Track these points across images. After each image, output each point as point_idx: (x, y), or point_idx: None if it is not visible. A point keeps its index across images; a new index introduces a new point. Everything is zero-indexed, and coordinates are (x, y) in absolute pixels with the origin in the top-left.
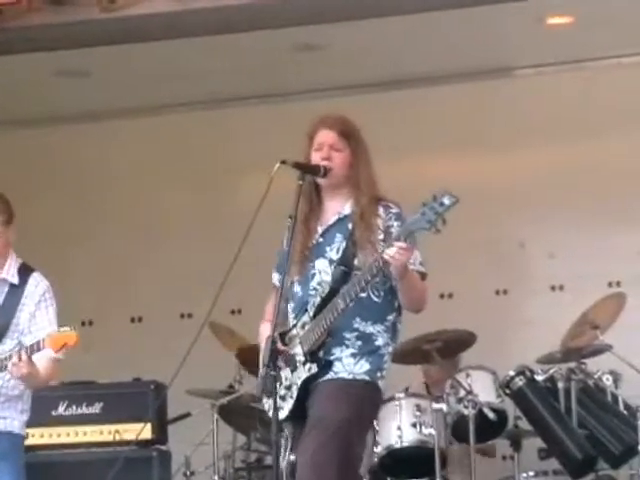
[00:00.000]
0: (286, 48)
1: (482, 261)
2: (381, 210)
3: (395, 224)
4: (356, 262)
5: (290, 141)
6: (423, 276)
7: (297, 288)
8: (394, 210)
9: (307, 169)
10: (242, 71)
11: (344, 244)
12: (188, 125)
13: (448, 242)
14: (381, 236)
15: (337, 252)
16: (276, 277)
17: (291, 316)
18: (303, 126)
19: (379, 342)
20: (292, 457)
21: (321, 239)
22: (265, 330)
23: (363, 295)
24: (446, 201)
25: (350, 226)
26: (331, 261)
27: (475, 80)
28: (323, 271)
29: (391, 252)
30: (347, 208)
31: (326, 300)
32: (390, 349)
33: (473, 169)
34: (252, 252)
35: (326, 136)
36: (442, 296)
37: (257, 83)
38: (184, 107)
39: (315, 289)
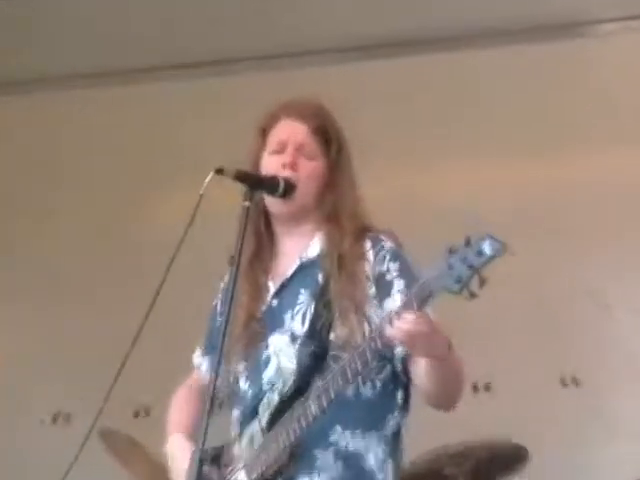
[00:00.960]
0: None
1: (535, 333)
2: (368, 246)
3: (392, 267)
4: (333, 337)
5: (233, 134)
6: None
7: (243, 383)
8: (387, 244)
9: (257, 183)
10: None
11: (312, 308)
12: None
13: (481, 305)
14: (371, 289)
15: (302, 322)
16: (200, 359)
17: (234, 424)
18: (254, 111)
19: (371, 463)
20: None
21: (275, 301)
22: (178, 444)
23: (349, 391)
24: (487, 249)
25: (321, 277)
26: (294, 337)
27: (533, 40)
28: (282, 353)
29: (403, 326)
30: (314, 247)
31: (288, 401)
32: (390, 473)
33: (516, 181)
34: (167, 317)
35: (292, 131)
36: (475, 388)
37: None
38: None
39: (271, 383)
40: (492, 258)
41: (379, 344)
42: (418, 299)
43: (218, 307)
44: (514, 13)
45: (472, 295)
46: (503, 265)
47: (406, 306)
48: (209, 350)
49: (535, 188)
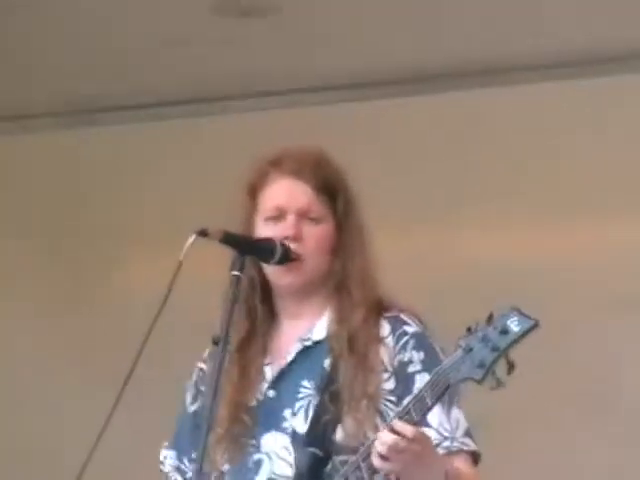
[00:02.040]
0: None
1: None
2: (387, 330)
3: (416, 357)
4: (339, 436)
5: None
6: (475, 458)
7: None
8: (411, 329)
9: (249, 247)
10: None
11: (316, 402)
12: None
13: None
14: (390, 383)
15: (305, 418)
16: (168, 457)
17: None
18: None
19: None
20: None
21: (272, 392)
22: None
23: None
24: (514, 326)
25: (327, 363)
26: (294, 436)
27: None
28: (277, 456)
29: (379, 445)
30: (321, 327)
31: None
32: None
33: (551, 239)
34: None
35: (291, 194)
36: None
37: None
38: None
39: None
40: (520, 337)
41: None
42: (434, 393)
43: (191, 394)
44: (534, 49)
45: (499, 384)
46: None
47: (402, 416)
48: (176, 445)
49: (574, 247)
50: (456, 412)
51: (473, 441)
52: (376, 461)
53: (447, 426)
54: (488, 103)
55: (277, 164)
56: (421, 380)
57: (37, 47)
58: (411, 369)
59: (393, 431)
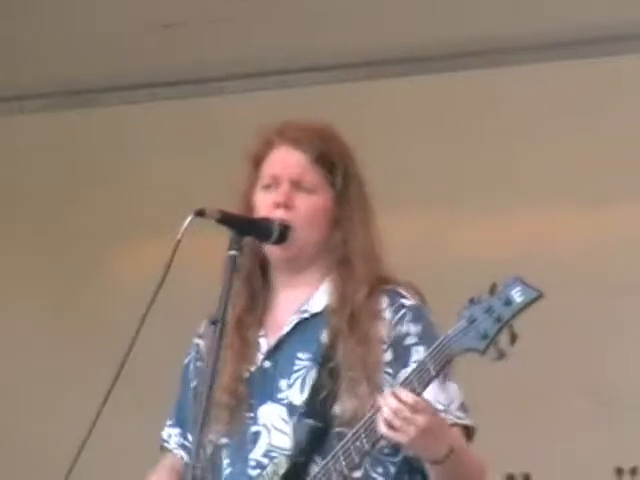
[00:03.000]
0: None
1: None
2: (385, 303)
3: (413, 330)
4: (337, 410)
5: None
6: (468, 433)
7: (225, 458)
8: (408, 302)
9: (245, 227)
10: None
11: (314, 375)
12: None
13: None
14: (388, 355)
15: (301, 390)
16: (173, 435)
17: None
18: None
19: None
20: None
21: (268, 363)
22: None
23: (356, 475)
24: (517, 297)
25: (325, 336)
26: (291, 409)
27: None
28: (274, 427)
29: (386, 411)
30: (319, 299)
31: None
32: None
33: (561, 232)
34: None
35: (286, 162)
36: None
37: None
38: None
39: (259, 464)
40: (523, 307)
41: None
42: (436, 362)
43: (191, 369)
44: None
45: (501, 355)
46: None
47: (405, 385)
48: (179, 422)
49: (580, 239)
50: (451, 386)
51: (468, 416)
52: (382, 428)
53: (441, 399)
54: (488, 83)
55: (280, 133)
56: (417, 353)
57: (32, 29)
58: (407, 342)
59: (396, 397)
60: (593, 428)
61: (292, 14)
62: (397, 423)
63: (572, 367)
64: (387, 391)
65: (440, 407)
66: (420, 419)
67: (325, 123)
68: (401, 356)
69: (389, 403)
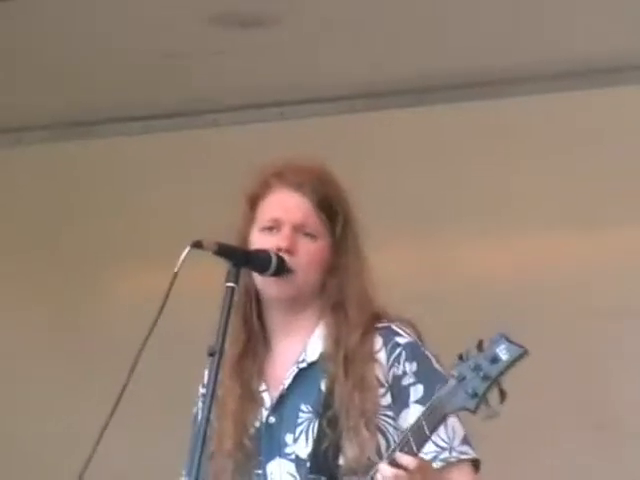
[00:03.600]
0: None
1: None
2: (379, 344)
3: (410, 369)
4: (342, 461)
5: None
6: (475, 465)
7: None
8: (403, 340)
9: (243, 259)
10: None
11: (315, 426)
12: None
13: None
14: (387, 398)
15: (306, 442)
16: None
17: None
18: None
19: None
20: None
21: (273, 419)
22: None
23: None
24: (503, 355)
25: (323, 385)
26: (298, 462)
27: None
28: None
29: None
30: (315, 346)
31: None
32: None
33: (560, 255)
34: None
35: (289, 207)
36: None
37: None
38: None
39: None
40: (509, 365)
41: None
42: (428, 425)
43: (199, 419)
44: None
45: (493, 414)
46: None
47: (402, 448)
48: (188, 470)
49: (578, 263)
50: (452, 420)
51: (472, 448)
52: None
53: (444, 436)
54: (488, 115)
55: (279, 176)
56: (416, 392)
57: (34, 58)
58: (405, 382)
59: (395, 464)
60: (592, 453)
61: (289, 45)
62: None
63: (571, 392)
64: (384, 460)
65: (443, 444)
66: (417, 478)
67: (322, 165)
68: (400, 397)
69: (384, 471)
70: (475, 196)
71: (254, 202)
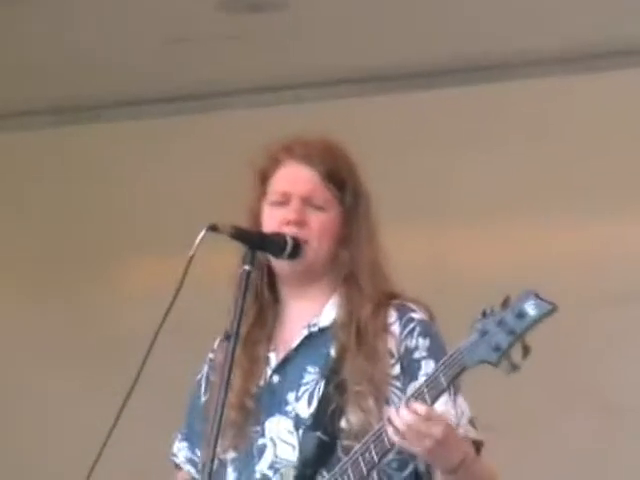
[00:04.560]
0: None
1: None
2: (394, 317)
3: (422, 344)
4: (344, 424)
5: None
6: (477, 446)
7: (230, 474)
8: (417, 316)
9: (259, 242)
10: None
11: (321, 387)
12: None
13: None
14: (396, 369)
15: (309, 402)
16: (181, 449)
17: None
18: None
19: None
20: None
21: (276, 378)
22: None
23: None
24: (531, 310)
25: (333, 351)
26: (298, 422)
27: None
28: (281, 440)
29: (399, 423)
30: (327, 314)
31: None
32: None
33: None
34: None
35: (297, 179)
36: None
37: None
38: None
39: (264, 477)
40: (537, 321)
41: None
42: (448, 376)
43: (202, 386)
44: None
45: (514, 367)
46: None
47: (416, 397)
48: (188, 436)
49: (579, 251)
50: (461, 400)
51: (476, 431)
52: (395, 438)
53: (452, 412)
54: (492, 100)
55: (287, 150)
56: (427, 366)
57: (38, 44)
58: (417, 355)
59: (410, 410)
60: (598, 439)
61: (300, 30)
62: (412, 435)
63: (576, 379)
64: (400, 404)
65: (452, 419)
66: (435, 430)
67: (331, 139)
68: (410, 369)
69: (403, 416)
70: (477, 183)
71: (264, 177)
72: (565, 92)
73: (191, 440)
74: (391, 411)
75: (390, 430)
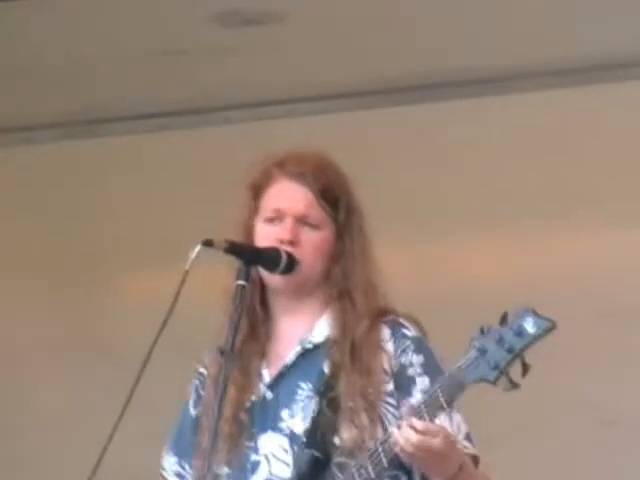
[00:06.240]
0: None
1: None
2: (387, 334)
3: (416, 360)
4: (337, 441)
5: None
6: (475, 460)
7: None
8: (410, 333)
9: (253, 257)
10: None
11: (315, 405)
12: None
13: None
14: (390, 386)
15: (303, 419)
16: (170, 464)
17: None
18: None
19: None
20: None
21: (270, 394)
22: None
23: None
24: (530, 327)
25: (327, 368)
26: (292, 437)
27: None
28: (274, 457)
29: (401, 437)
30: (321, 329)
31: None
32: None
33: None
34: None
35: (291, 198)
36: None
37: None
38: None
39: None
40: (536, 338)
41: (392, 450)
42: (447, 395)
43: (189, 404)
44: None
45: (513, 386)
46: None
47: (414, 413)
48: (177, 450)
49: (585, 262)
50: (457, 416)
51: (473, 445)
52: (403, 455)
53: (449, 430)
54: (489, 112)
55: (281, 166)
56: (421, 383)
57: (38, 58)
58: (411, 372)
59: (412, 428)
60: (595, 450)
61: (295, 44)
62: (415, 451)
63: (576, 390)
64: (402, 423)
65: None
66: (436, 442)
67: (324, 154)
68: (404, 386)
69: (405, 434)
70: (474, 192)
71: (257, 192)
72: (561, 104)
73: (179, 454)
74: (394, 431)
75: (390, 448)
